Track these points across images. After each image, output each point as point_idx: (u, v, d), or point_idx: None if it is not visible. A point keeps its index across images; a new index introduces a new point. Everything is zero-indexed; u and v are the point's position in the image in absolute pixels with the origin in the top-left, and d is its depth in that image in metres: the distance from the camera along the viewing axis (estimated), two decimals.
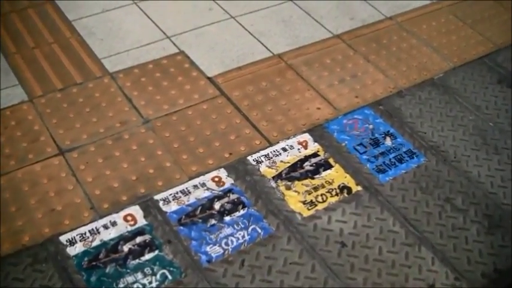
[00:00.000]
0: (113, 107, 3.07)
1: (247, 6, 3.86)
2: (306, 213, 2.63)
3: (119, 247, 2.44)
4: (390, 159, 2.91)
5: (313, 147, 2.92)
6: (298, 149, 2.91)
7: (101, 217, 2.56)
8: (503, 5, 4.13)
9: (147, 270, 2.37)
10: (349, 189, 2.74)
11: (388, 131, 3.06)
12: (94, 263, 2.38)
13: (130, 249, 2.44)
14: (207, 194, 2.67)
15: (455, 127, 3.14)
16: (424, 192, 2.78)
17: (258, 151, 2.88)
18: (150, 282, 2.33)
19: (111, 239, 2.47)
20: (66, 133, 2.92)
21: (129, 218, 2.56)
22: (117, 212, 2.58)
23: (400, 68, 3.48)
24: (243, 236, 2.51)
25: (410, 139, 3.03)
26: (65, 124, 2.97)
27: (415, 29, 3.81)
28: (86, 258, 2.39)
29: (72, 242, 2.45)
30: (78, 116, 3.02)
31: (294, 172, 2.80)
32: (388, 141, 3.00)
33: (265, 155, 2.86)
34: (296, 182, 2.75)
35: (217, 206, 2.62)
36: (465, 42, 3.75)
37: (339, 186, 2.75)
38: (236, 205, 2.63)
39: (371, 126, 3.07)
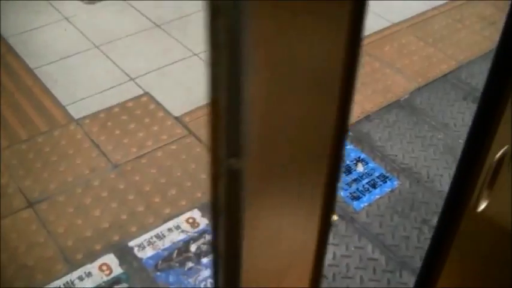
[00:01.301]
0: (81, 154, 3.03)
1: None
2: None
3: None
4: (363, 185, 2.91)
5: None
6: None
7: (75, 269, 2.50)
8: (461, 22, 4.19)
9: None
10: None
11: (359, 157, 3.05)
12: None
13: None
14: (182, 236, 2.63)
15: (425, 147, 3.15)
16: (400, 216, 2.77)
17: None
18: None
19: None
20: (34, 184, 2.86)
21: (104, 267, 2.50)
22: (91, 262, 2.52)
23: (365, 92, 3.49)
24: None
25: (382, 163, 3.03)
26: (32, 175, 2.91)
27: (377, 52, 3.84)
28: None
29: None
30: (45, 166, 2.97)
31: None
32: (360, 167, 3.00)
33: None
34: None
35: (193, 248, 2.58)
36: (427, 61, 3.79)
37: None
38: None
39: None
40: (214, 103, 0.65)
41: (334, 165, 0.76)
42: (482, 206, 1.37)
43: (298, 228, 0.83)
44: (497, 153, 1.24)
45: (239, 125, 0.62)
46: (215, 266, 0.79)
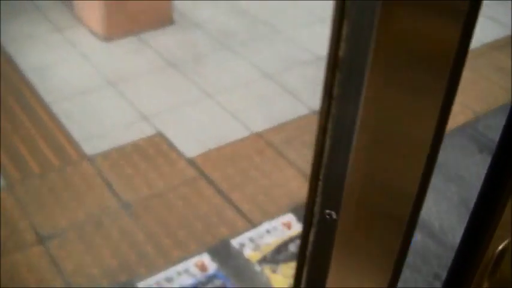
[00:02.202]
0: (92, 192, 3.04)
1: (223, 84, 3.90)
2: None
3: None
4: None
5: (298, 227, 2.91)
6: (283, 230, 2.89)
7: None
8: (477, 72, 4.22)
9: None
10: None
11: None
12: None
13: None
14: (191, 280, 2.62)
15: (439, 200, 3.16)
16: (412, 270, 2.76)
17: (241, 234, 2.86)
18: None
19: None
20: (46, 220, 2.87)
21: None
22: None
23: None
24: None
25: None
26: (44, 211, 2.92)
27: None
28: None
29: None
30: (57, 202, 2.97)
31: (279, 255, 2.77)
32: None
33: (249, 238, 2.83)
34: (281, 265, 2.72)
35: None
36: None
37: None
38: None
39: None
40: (317, 155, 0.70)
41: (411, 223, 0.79)
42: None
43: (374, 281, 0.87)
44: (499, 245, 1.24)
45: (339, 181, 0.67)
46: None
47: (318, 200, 0.79)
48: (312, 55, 4.25)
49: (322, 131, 0.74)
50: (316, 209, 0.78)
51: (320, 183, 0.76)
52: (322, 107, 0.73)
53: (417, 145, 0.72)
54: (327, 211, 0.76)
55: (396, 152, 0.71)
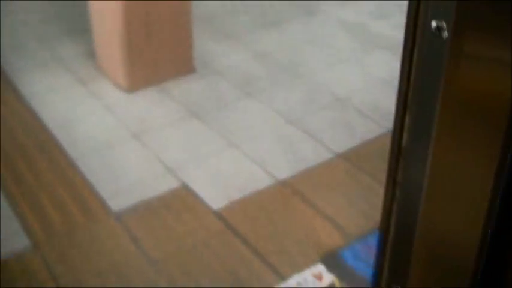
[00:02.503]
0: (119, 249, 3.01)
1: (246, 132, 3.88)
2: None
3: None
4: None
5: (329, 278, 2.84)
6: (314, 282, 2.83)
7: None
8: None
9: None
10: None
11: None
12: None
13: None
14: None
15: None
16: None
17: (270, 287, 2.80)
18: None
19: None
20: (73, 280, 2.84)
21: None
22: None
23: None
24: None
25: None
26: (71, 270, 2.89)
27: None
28: None
29: None
30: (83, 260, 2.95)
31: None
32: None
33: None
34: None
35: None
36: None
37: None
38: None
39: None
40: (384, 232, 0.74)
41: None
42: None
43: None
44: None
45: (406, 255, 0.71)
46: None
47: (385, 275, 0.81)
48: (333, 97, 4.22)
49: (387, 214, 0.77)
50: (384, 284, 0.79)
51: (386, 259, 0.79)
52: (386, 192, 0.76)
53: (474, 212, 0.74)
54: (393, 286, 0.78)
55: (461, 224, 0.74)
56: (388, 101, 4.16)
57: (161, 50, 4.32)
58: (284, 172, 3.53)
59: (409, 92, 0.69)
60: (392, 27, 5.26)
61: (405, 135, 0.72)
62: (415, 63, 0.67)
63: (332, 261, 2.94)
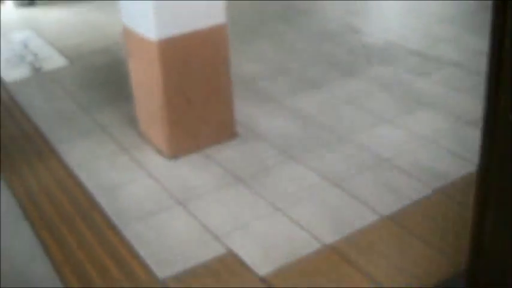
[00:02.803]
0: None
1: (290, 195, 3.85)
2: None
3: None
4: None
5: None
6: None
7: None
8: None
9: None
10: None
11: None
12: None
13: None
14: None
15: None
16: None
17: None
18: None
19: None
20: None
21: None
22: None
23: (459, 244, 3.35)
24: None
25: None
26: None
27: (468, 200, 3.73)
28: None
29: None
30: None
31: None
32: None
33: None
34: None
35: None
36: None
37: None
38: None
39: None
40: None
41: None
42: None
43: None
44: None
45: None
46: None
47: None
48: (375, 158, 4.19)
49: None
50: None
51: None
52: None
53: None
54: None
55: None
56: (433, 160, 4.11)
57: (202, 116, 4.36)
58: (330, 236, 3.47)
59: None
60: (433, 84, 5.24)
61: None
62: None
63: None
